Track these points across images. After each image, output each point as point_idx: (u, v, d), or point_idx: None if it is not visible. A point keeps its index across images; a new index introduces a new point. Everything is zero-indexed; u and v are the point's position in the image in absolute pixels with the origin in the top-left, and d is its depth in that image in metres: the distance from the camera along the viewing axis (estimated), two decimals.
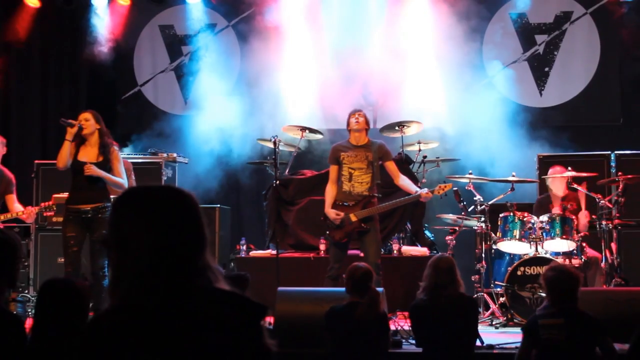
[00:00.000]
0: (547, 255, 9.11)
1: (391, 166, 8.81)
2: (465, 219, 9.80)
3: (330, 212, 8.57)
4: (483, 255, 9.61)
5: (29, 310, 9.73)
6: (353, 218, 8.52)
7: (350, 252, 8.85)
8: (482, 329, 7.48)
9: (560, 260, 9.01)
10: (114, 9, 13.41)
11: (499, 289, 9.27)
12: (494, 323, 8.96)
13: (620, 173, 9.72)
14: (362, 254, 8.64)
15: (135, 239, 2.43)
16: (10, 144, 13.05)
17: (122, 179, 8.27)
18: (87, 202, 8.12)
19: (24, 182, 12.07)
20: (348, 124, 8.84)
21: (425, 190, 8.85)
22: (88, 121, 8.31)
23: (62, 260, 10.63)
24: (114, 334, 2.35)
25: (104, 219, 8.04)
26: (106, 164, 8.25)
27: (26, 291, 10.74)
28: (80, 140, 8.33)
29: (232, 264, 11.08)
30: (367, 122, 8.82)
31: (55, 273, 10.51)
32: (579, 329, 5.52)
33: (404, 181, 8.84)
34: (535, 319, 5.64)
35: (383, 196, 8.90)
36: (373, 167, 8.66)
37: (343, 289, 6.51)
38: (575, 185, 9.59)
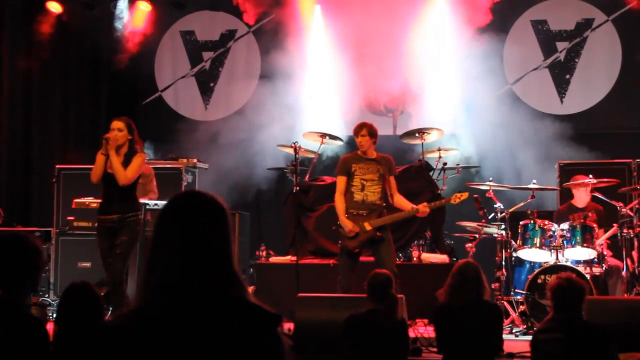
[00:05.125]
0: (568, 264, 9.06)
1: (393, 182, 8.72)
2: (486, 227, 9.76)
3: (347, 224, 8.46)
4: (503, 263, 9.57)
5: (50, 314, 9.77)
6: (368, 227, 8.45)
7: (364, 259, 8.80)
8: None
9: (581, 268, 8.96)
10: (136, 14, 13.47)
11: (519, 297, 9.23)
12: (514, 331, 8.92)
13: None
14: (375, 260, 8.57)
15: (165, 241, 2.50)
16: (31, 148, 13.19)
17: (127, 173, 8.01)
18: (115, 213, 8.09)
19: (45, 186, 12.17)
20: (355, 137, 8.76)
21: (424, 204, 8.74)
22: (121, 132, 8.17)
23: (83, 265, 10.73)
24: (130, 335, 2.40)
25: (128, 223, 8.04)
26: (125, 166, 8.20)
27: (46, 295, 10.79)
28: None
29: (251, 269, 11.09)
30: (372, 136, 8.64)
31: (76, 277, 10.52)
32: (581, 342, 5.43)
33: (399, 199, 8.72)
34: (537, 334, 5.60)
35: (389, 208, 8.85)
36: (384, 179, 8.62)
37: (362, 295, 6.51)
38: (597, 194, 9.57)
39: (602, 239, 9.48)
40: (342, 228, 8.53)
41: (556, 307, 5.58)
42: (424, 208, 8.57)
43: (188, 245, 2.48)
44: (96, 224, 8.34)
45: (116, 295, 7.99)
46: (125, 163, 8.07)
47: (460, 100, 12.55)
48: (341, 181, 8.66)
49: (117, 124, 8.22)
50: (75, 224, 9.88)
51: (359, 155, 8.71)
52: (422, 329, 7.77)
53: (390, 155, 8.91)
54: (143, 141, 9.22)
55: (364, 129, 8.64)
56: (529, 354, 7.16)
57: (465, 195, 8.85)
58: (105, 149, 8.07)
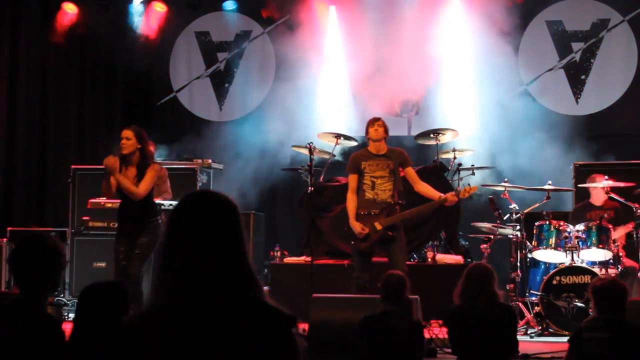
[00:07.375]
0: (583, 265, 9.04)
1: (410, 172, 8.72)
2: (501, 227, 9.75)
3: (356, 226, 8.45)
4: (518, 264, 9.56)
5: (65, 314, 9.80)
6: (378, 226, 8.44)
7: (377, 259, 8.79)
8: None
9: (596, 269, 8.94)
10: (151, 15, 13.51)
11: (534, 298, 9.22)
12: (529, 332, 8.91)
13: None
14: (388, 261, 8.56)
15: (178, 240, 2.50)
16: (47, 148, 13.25)
17: (139, 190, 8.00)
18: (133, 221, 8.09)
19: (60, 187, 12.22)
20: (367, 132, 8.72)
21: (452, 193, 8.74)
22: (129, 140, 8.09)
23: (98, 264, 10.75)
24: (145, 336, 2.41)
25: (149, 227, 8.04)
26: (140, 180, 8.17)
27: (62, 295, 10.82)
28: (122, 159, 8.17)
29: (266, 270, 11.10)
30: (385, 131, 8.68)
31: (91, 277, 10.59)
32: (626, 343, 5.44)
33: (424, 187, 8.73)
34: (581, 331, 5.60)
35: (407, 204, 8.82)
36: (395, 175, 8.60)
37: (377, 296, 6.50)
38: (613, 195, 9.53)
39: (618, 233, 9.44)
40: (352, 230, 8.55)
41: (601, 308, 5.57)
42: (452, 197, 8.56)
43: (200, 244, 2.48)
44: (116, 225, 8.37)
45: (133, 296, 8.00)
46: (139, 174, 8.04)
47: (476, 101, 12.51)
48: (352, 179, 8.67)
49: (125, 133, 8.15)
50: (90, 224, 9.89)
51: (369, 152, 8.71)
52: (437, 330, 7.76)
53: (401, 148, 8.94)
54: (156, 143, 9.22)
55: (380, 120, 8.71)
56: (544, 356, 7.20)
57: (474, 188, 8.86)
58: (107, 177, 8.02)
